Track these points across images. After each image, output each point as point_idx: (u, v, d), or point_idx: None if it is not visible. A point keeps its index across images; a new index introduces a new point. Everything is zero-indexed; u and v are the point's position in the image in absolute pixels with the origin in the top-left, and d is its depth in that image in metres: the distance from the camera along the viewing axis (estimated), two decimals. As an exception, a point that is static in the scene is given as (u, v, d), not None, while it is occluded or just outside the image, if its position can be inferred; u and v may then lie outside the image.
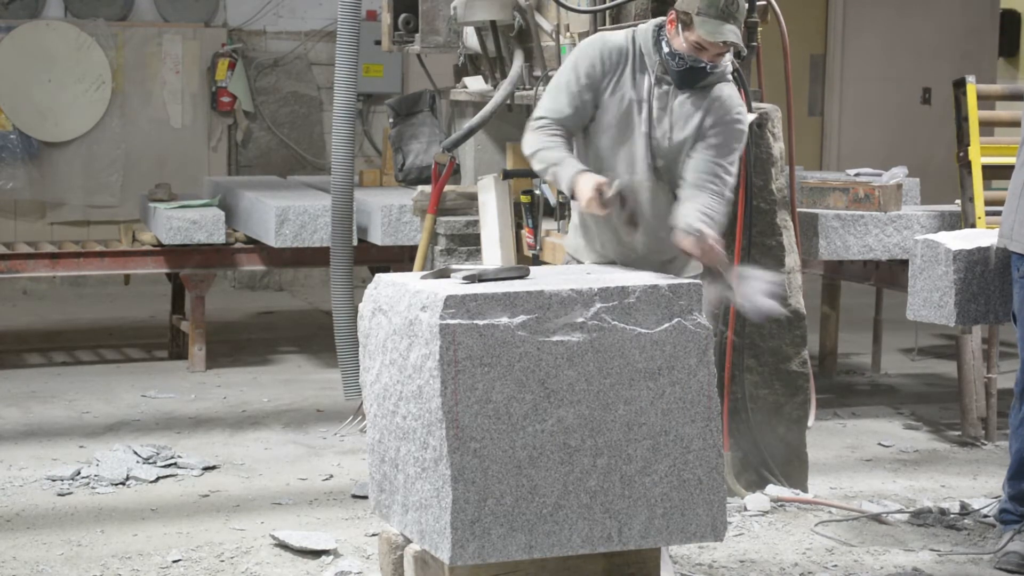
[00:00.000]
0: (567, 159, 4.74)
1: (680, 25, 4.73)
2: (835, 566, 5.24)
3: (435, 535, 4.14)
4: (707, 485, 4.28)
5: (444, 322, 4.05)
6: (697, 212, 4.63)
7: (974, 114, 7.21)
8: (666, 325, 4.25)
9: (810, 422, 6.27)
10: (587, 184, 4.61)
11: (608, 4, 6.05)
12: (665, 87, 4.81)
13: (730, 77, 4.91)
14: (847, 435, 7.25)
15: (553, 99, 4.84)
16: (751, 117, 5.67)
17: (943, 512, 5.82)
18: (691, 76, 4.78)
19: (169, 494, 6.08)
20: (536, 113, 4.86)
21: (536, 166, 4.81)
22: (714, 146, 4.78)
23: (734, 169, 4.82)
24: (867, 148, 12.79)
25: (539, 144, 4.78)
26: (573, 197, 4.71)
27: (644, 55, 4.83)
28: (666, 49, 4.78)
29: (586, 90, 4.80)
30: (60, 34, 11.23)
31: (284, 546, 5.33)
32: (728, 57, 4.84)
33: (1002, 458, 6.33)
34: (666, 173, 4.84)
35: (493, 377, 4.09)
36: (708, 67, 4.75)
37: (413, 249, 7.39)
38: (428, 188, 6.93)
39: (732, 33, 4.69)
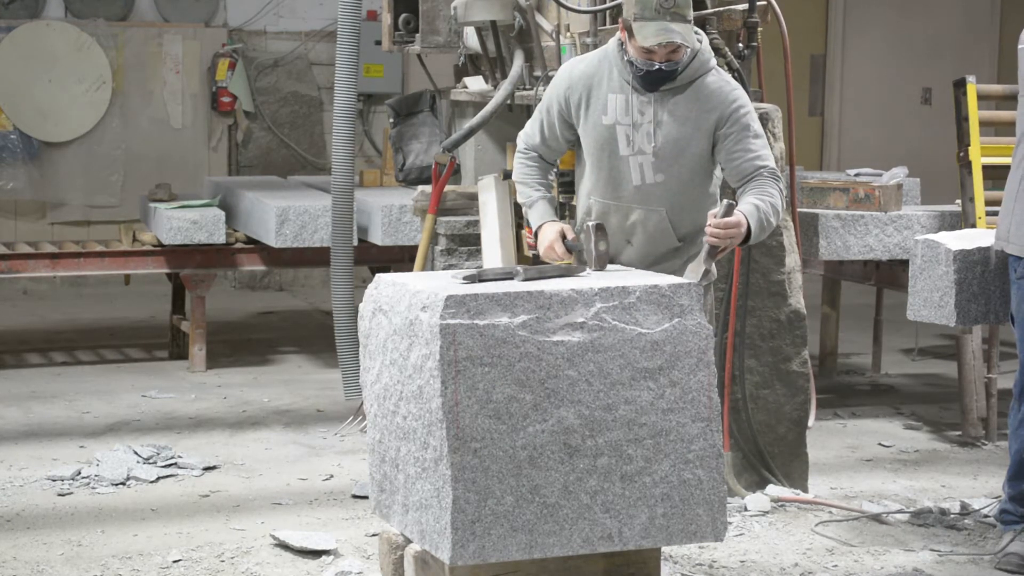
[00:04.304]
0: (538, 203, 4.96)
1: (627, 33, 4.71)
2: (835, 566, 5.24)
3: (435, 535, 4.14)
4: (707, 485, 4.28)
5: (444, 322, 4.05)
6: (750, 206, 4.65)
7: (974, 114, 7.21)
8: (666, 325, 4.25)
9: (810, 422, 6.28)
10: (546, 235, 4.86)
11: (608, 4, 6.05)
12: (649, 96, 4.79)
13: (712, 64, 4.84)
14: (847, 435, 7.25)
15: (530, 124, 5.04)
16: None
17: (943, 512, 5.82)
18: (653, 80, 4.74)
19: (169, 494, 6.08)
20: (520, 133, 5.06)
21: (518, 198, 5.08)
22: (737, 140, 4.76)
23: (762, 143, 4.80)
24: (867, 148, 12.80)
25: (519, 176, 5.03)
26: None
27: (617, 72, 4.82)
28: (626, 58, 4.76)
29: (556, 121, 4.94)
30: (60, 34, 11.23)
31: (284, 546, 5.33)
32: (691, 49, 4.72)
33: (1002, 458, 6.33)
34: (667, 188, 4.82)
35: (493, 377, 4.09)
36: (665, 67, 4.71)
37: (413, 249, 7.39)
38: (428, 188, 6.93)
39: (672, 31, 4.59)
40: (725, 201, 4.57)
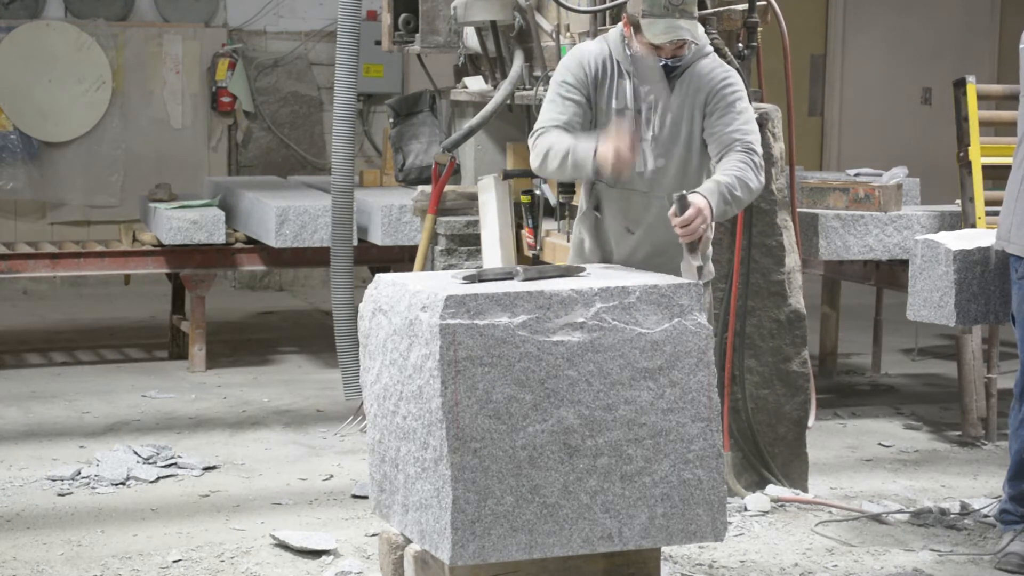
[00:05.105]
0: (578, 143, 4.62)
1: (632, 28, 4.72)
2: (835, 566, 5.24)
3: (435, 535, 4.14)
4: (707, 485, 4.28)
5: (444, 322, 4.05)
6: (710, 183, 4.58)
7: (974, 114, 7.21)
8: (666, 325, 4.25)
9: (810, 422, 6.27)
10: (609, 149, 4.53)
11: (608, 4, 6.05)
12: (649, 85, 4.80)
13: (708, 49, 4.85)
14: (847, 435, 7.24)
15: (547, 111, 4.80)
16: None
17: (943, 512, 5.82)
18: None
19: (169, 494, 6.08)
20: (533, 129, 4.83)
21: (552, 168, 4.70)
22: (721, 114, 4.74)
23: (745, 118, 4.75)
24: (867, 148, 12.79)
25: (544, 148, 4.70)
26: (599, 176, 4.64)
27: (619, 61, 4.83)
28: (630, 52, 4.77)
29: (577, 93, 4.78)
30: (60, 34, 11.23)
31: (284, 546, 5.33)
32: (696, 43, 4.73)
33: (1002, 458, 6.33)
34: (668, 172, 4.82)
35: (493, 377, 4.09)
36: (671, 63, 4.73)
37: (413, 249, 7.40)
38: (428, 188, 6.94)
39: (681, 28, 4.60)
40: (674, 196, 4.46)
